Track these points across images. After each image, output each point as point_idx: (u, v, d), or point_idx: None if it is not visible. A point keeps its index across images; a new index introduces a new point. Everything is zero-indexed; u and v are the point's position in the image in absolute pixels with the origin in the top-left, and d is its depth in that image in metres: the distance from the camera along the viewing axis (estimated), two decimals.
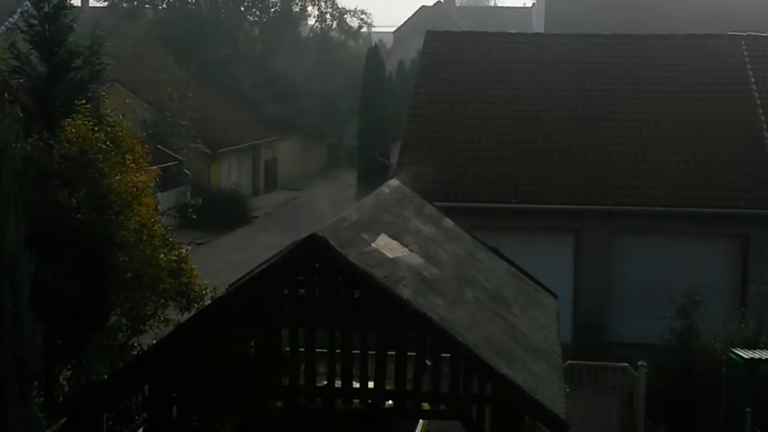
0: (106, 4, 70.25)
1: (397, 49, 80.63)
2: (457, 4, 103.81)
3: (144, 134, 33.79)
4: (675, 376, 19.38)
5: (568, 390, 13.14)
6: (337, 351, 11.51)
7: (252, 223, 48.68)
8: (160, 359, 11.68)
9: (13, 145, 12.27)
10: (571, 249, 25.92)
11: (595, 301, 25.60)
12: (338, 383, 11.61)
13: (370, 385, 11.59)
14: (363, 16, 78.44)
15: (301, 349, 11.62)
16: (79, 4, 64.23)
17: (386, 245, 12.90)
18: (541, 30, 50.13)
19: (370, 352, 11.55)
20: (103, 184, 16.28)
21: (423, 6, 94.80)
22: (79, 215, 15.60)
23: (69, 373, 16.40)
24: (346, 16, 77.41)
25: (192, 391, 11.67)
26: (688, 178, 25.92)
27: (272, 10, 74.92)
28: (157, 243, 17.21)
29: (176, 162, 44.90)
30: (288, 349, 11.80)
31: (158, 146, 41.58)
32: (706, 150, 26.61)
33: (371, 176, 49.97)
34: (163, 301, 17.31)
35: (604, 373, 21.34)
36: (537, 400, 11.13)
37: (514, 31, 40.52)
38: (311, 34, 78.53)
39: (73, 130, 16.51)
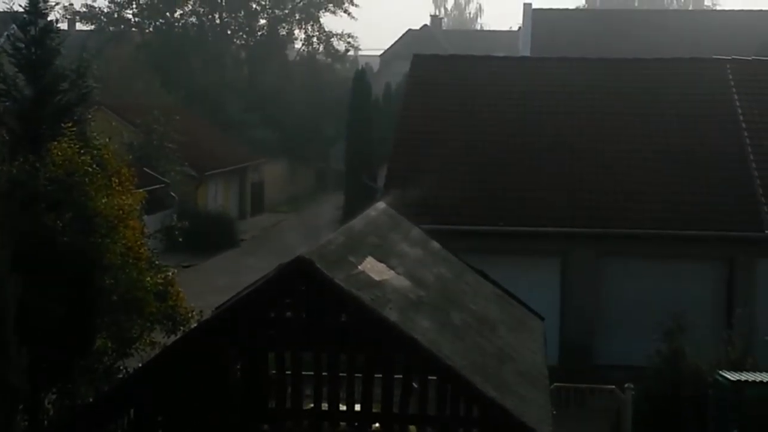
0: (92, 27, 70.32)
1: (383, 72, 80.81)
2: (444, 28, 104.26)
3: (130, 157, 33.79)
4: (662, 399, 19.39)
5: (555, 413, 13.14)
6: (323, 374, 11.49)
7: (239, 245, 48.61)
8: (145, 383, 11.62)
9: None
10: (558, 272, 25.90)
11: (581, 324, 25.58)
12: (325, 406, 11.58)
13: (357, 407, 11.56)
14: (350, 40, 78.34)
15: (288, 372, 11.59)
16: (66, 28, 64.26)
17: (373, 268, 12.89)
18: (527, 54, 50.23)
19: (356, 375, 11.53)
20: (90, 206, 16.26)
21: (409, 29, 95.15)
22: (65, 238, 15.57)
23: (54, 396, 16.31)
24: (332, 39, 77.49)
25: (177, 414, 11.61)
26: (673, 201, 25.98)
27: (259, 33, 75.14)
28: (143, 266, 17.19)
29: (163, 185, 44.83)
30: (274, 371, 11.76)
31: (144, 169, 41.51)
32: (692, 173, 26.69)
33: (358, 199, 49.69)
34: (149, 324, 17.27)
35: (591, 395, 21.37)
36: (524, 422, 11.10)
37: (500, 54, 40.66)
38: (298, 58, 78.67)
39: (60, 152, 16.51)
